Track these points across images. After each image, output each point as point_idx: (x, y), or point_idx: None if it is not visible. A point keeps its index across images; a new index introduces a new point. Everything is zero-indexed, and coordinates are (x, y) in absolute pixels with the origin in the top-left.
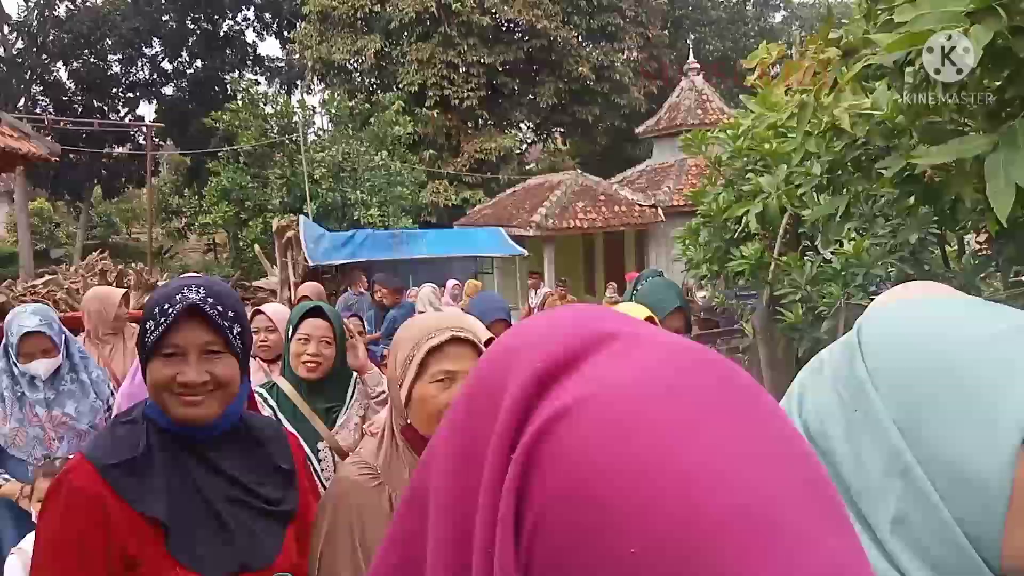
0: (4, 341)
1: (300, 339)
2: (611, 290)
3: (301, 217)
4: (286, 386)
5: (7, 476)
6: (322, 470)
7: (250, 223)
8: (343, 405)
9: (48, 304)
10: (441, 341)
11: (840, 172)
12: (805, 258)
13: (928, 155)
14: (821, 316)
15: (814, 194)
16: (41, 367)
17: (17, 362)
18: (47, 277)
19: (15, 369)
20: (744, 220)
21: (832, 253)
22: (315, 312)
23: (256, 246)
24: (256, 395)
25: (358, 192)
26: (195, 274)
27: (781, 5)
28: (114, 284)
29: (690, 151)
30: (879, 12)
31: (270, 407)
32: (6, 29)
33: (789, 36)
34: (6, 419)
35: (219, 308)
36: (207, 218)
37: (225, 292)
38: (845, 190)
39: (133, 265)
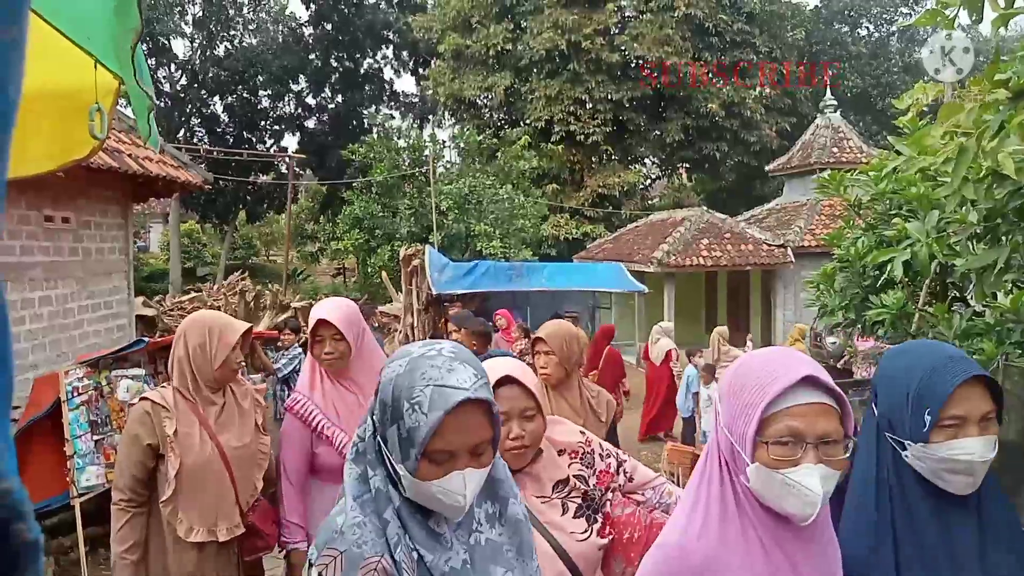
0: (384, 434)
1: None
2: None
3: (427, 246)
4: None
5: None
6: None
7: (378, 250)
8: None
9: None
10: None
11: (1000, 221)
12: (953, 310)
13: None
14: None
15: (969, 243)
16: (471, 486)
17: (412, 474)
18: (192, 294)
19: (396, 493)
20: (888, 267)
21: (984, 306)
22: None
23: (383, 272)
24: None
25: (482, 224)
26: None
27: (928, 40)
28: (252, 304)
29: (826, 192)
30: None
31: None
32: (172, 67)
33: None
34: None
35: None
36: (339, 244)
37: None
38: (1004, 240)
39: (269, 286)
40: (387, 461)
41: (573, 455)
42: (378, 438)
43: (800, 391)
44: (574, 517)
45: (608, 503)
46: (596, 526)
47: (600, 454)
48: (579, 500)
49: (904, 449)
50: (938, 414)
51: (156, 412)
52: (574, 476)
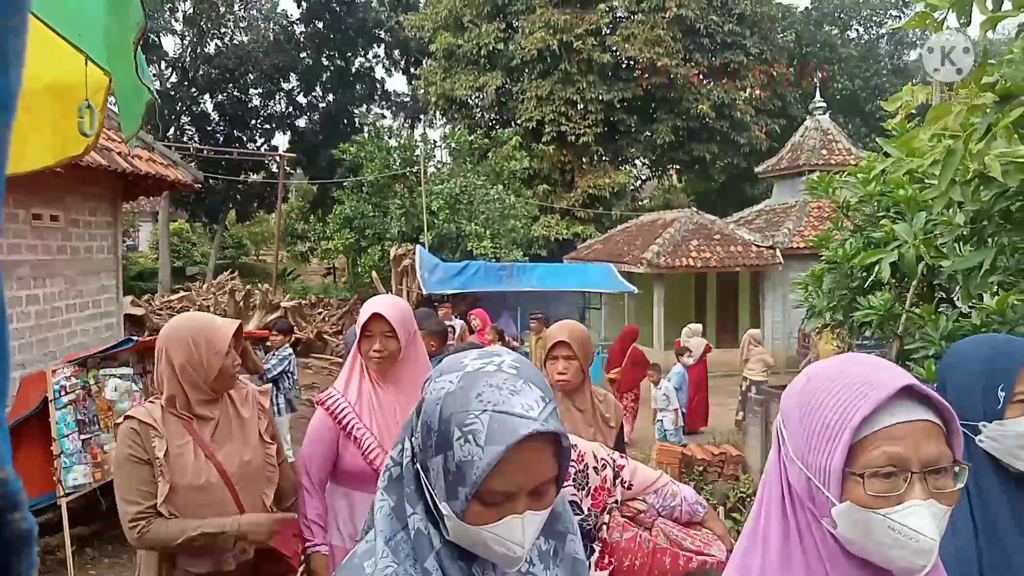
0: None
1: None
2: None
3: (418, 246)
4: None
5: None
6: None
7: (369, 250)
8: None
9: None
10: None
11: (986, 223)
12: (940, 311)
13: None
14: None
15: (955, 245)
16: (529, 532)
17: (459, 515)
18: (181, 293)
19: (437, 534)
20: (876, 269)
21: (971, 307)
22: None
23: (373, 272)
24: None
25: (473, 224)
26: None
27: (918, 43)
28: (241, 303)
29: (815, 194)
30: None
31: None
32: (163, 65)
33: (925, 76)
34: None
35: None
36: (329, 244)
37: None
38: (991, 241)
39: (259, 285)
40: (428, 495)
41: (565, 477)
42: (417, 465)
43: (897, 406)
44: None
45: (605, 527)
46: (593, 558)
47: (595, 467)
48: None
49: (976, 434)
50: (1012, 388)
51: (144, 431)
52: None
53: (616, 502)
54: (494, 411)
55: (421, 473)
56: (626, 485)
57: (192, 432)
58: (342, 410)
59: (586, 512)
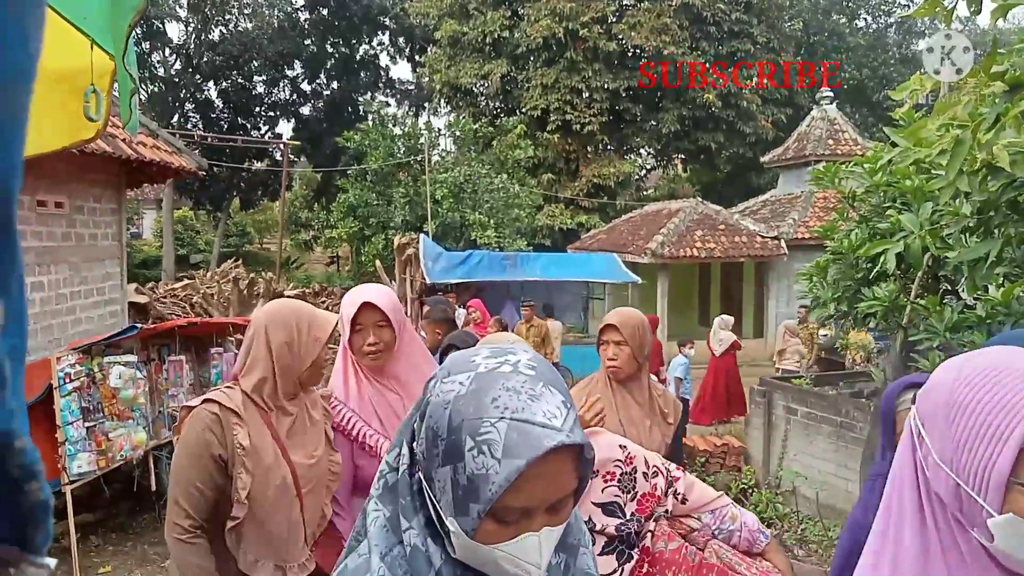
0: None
1: None
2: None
3: (422, 235)
4: None
5: None
6: None
7: (372, 239)
8: None
9: (185, 307)
10: None
11: (993, 213)
12: (945, 302)
13: None
14: None
15: (961, 236)
16: (547, 550)
17: (469, 533)
18: (185, 281)
19: (437, 549)
20: (881, 259)
21: (976, 299)
22: None
23: (377, 261)
24: None
25: (477, 213)
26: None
27: (926, 33)
28: (245, 292)
29: (821, 184)
30: None
31: None
32: (167, 51)
33: None
34: None
35: None
36: (333, 232)
37: None
38: (997, 232)
39: (263, 274)
40: (431, 506)
41: (608, 477)
42: (419, 474)
43: None
44: (601, 554)
45: (649, 534)
46: (629, 565)
47: (645, 472)
48: (612, 532)
49: None
50: None
51: (226, 417)
52: (606, 504)
53: (666, 512)
54: (512, 419)
55: (424, 483)
56: (679, 498)
57: (270, 425)
58: (347, 419)
59: (628, 516)
